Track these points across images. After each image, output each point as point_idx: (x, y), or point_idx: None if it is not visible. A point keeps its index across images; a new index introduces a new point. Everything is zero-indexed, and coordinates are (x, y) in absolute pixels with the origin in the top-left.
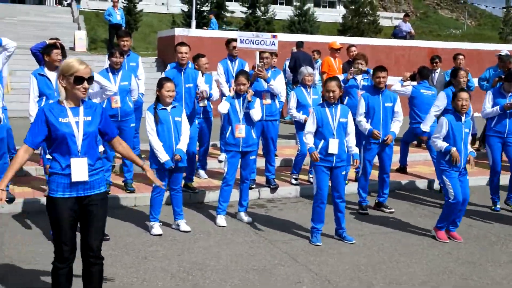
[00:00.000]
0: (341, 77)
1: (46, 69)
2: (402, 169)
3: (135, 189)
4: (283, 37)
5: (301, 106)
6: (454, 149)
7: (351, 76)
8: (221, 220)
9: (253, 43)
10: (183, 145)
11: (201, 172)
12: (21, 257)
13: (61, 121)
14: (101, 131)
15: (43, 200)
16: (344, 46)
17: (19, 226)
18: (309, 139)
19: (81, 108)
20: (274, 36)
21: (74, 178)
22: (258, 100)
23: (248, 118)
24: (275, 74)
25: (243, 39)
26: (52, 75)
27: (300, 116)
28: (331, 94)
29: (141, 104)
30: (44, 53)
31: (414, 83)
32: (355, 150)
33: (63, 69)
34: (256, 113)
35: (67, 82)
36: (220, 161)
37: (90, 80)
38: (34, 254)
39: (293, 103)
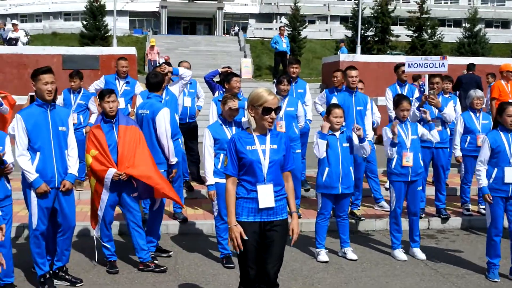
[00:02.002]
0: None
1: None
2: None
3: (301, 214)
4: (453, 60)
5: (468, 132)
6: None
7: None
8: (401, 254)
9: (421, 67)
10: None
11: (384, 203)
12: (194, 278)
13: (248, 149)
14: None
15: (200, 223)
16: None
17: (188, 247)
18: (482, 175)
19: (268, 137)
20: (444, 58)
21: (262, 205)
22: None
23: (414, 145)
24: (446, 101)
25: (411, 64)
26: None
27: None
28: None
29: (307, 130)
30: (224, 81)
31: None
32: None
33: (253, 99)
34: (450, 113)
35: (255, 112)
36: (387, 189)
37: (278, 110)
38: (205, 274)
39: (459, 128)
